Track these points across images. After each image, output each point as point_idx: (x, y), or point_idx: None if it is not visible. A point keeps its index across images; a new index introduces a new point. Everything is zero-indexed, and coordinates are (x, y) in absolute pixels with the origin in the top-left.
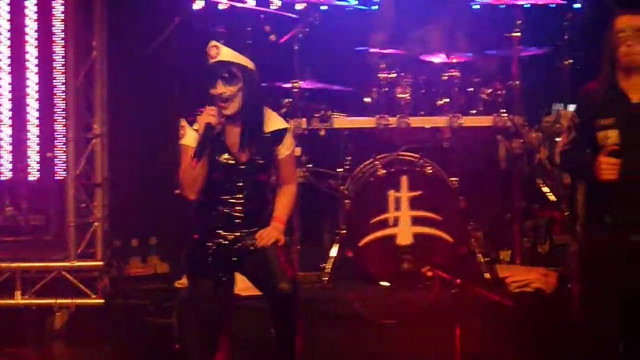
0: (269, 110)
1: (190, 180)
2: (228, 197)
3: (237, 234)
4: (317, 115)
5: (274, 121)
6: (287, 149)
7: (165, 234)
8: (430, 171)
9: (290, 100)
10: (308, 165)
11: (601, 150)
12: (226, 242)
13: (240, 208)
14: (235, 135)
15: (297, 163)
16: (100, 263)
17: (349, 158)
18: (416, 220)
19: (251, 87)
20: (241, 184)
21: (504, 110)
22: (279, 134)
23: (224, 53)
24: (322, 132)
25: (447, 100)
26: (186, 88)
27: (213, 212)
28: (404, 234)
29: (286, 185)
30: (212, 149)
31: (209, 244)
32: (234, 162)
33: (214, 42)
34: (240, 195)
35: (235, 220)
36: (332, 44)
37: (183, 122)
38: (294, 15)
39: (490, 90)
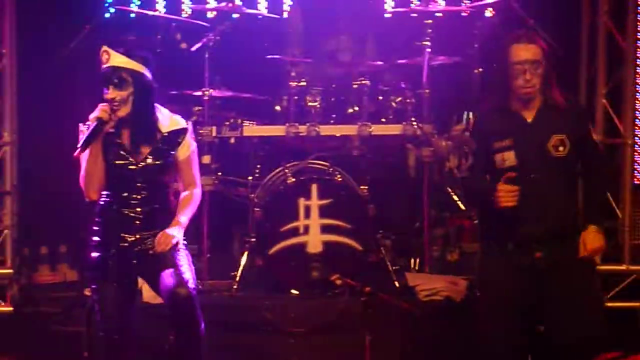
0: (166, 112)
1: (88, 179)
2: (127, 198)
3: (137, 236)
4: (227, 123)
5: (171, 122)
6: (186, 150)
7: (75, 241)
8: (340, 179)
9: (201, 108)
10: (218, 174)
11: (498, 173)
12: (126, 244)
13: (140, 209)
14: (129, 138)
15: (206, 171)
16: (10, 271)
17: (259, 166)
18: (326, 229)
19: (142, 92)
20: (140, 184)
21: (414, 119)
22: (177, 135)
23: (114, 58)
24: (232, 140)
25: (357, 108)
26: (91, 94)
27: (113, 215)
28: (314, 242)
29: (188, 188)
30: (109, 152)
31: (110, 246)
32: (129, 163)
33: (104, 48)
34: (139, 197)
35: (135, 222)
36: (243, 52)
37: (82, 127)
38: (205, 24)
39: (400, 99)
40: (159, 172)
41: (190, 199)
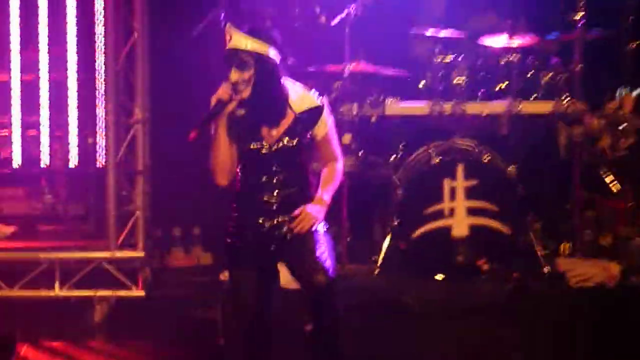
0: (299, 89)
1: (216, 165)
2: (263, 182)
3: (275, 220)
4: (368, 100)
5: (305, 100)
6: (323, 127)
7: (208, 223)
8: (487, 159)
9: (341, 83)
10: (358, 153)
11: None
12: (264, 230)
13: (276, 193)
14: (258, 120)
15: (346, 151)
16: (142, 254)
17: (402, 146)
18: (472, 211)
19: (264, 73)
20: (275, 168)
21: (565, 96)
22: (313, 114)
23: (236, 39)
24: (374, 119)
25: (505, 85)
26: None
27: (249, 200)
28: (460, 226)
29: (329, 164)
30: (239, 135)
31: (247, 232)
32: (262, 147)
33: (228, 27)
34: (276, 181)
35: (273, 206)
36: (385, 26)
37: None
38: None
39: (550, 75)
40: (294, 154)
41: (332, 174)
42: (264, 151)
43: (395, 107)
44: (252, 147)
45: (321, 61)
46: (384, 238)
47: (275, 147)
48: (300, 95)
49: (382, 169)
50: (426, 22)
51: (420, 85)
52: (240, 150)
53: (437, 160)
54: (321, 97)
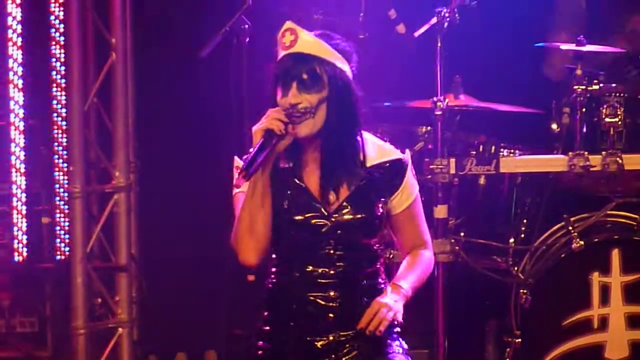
0: (370, 136)
1: (244, 231)
2: (313, 273)
3: (330, 337)
4: (473, 152)
5: (379, 151)
6: (406, 196)
7: (229, 344)
8: None
9: (430, 128)
10: (460, 234)
11: None
12: (313, 353)
13: (334, 293)
14: (316, 174)
15: (441, 230)
16: None
17: (526, 221)
18: (635, 321)
19: (342, 99)
20: (332, 250)
21: None
22: (390, 172)
23: (305, 42)
24: (482, 180)
25: None
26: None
27: (290, 301)
28: (617, 343)
29: (413, 251)
30: (280, 195)
31: (287, 356)
32: (315, 215)
33: (289, 24)
34: (333, 271)
35: (328, 315)
36: (494, 38)
37: (237, 162)
38: None
39: None
40: (361, 231)
41: (417, 261)
42: (317, 222)
43: (515, 162)
44: (299, 214)
45: (398, 94)
46: None
47: (334, 217)
48: (372, 143)
49: (495, 257)
50: (554, 29)
51: (553, 128)
52: (278, 218)
53: (581, 244)
54: (404, 149)
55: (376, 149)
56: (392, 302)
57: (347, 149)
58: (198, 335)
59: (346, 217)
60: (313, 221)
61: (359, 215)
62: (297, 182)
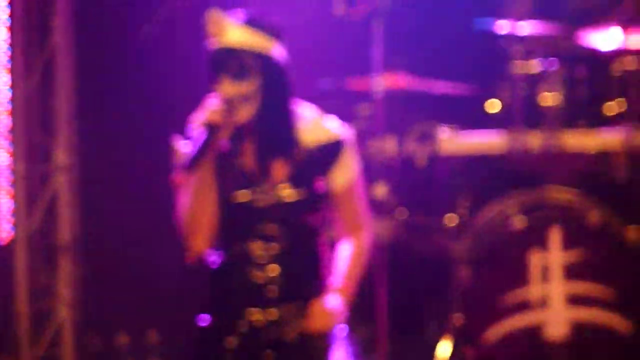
0: (312, 114)
1: (193, 221)
2: (254, 252)
3: (271, 312)
4: (413, 132)
5: (320, 130)
6: (345, 174)
7: (170, 325)
8: (597, 219)
9: (370, 107)
10: (400, 214)
11: None
12: (255, 326)
13: (274, 270)
14: (254, 156)
15: (381, 209)
16: None
17: (467, 201)
18: (575, 300)
19: (274, 86)
20: (273, 230)
21: None
22: (330, 152)
23: (232, 33)
24: (423, 161)
25: (623, 105)
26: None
27: (232, 279)
28: (557, 322)
29: (351, 234)
30: (222, 180)
31: (229, 329)
32: (256, 198)
33: (214, 14)
34: (273, 250)
35: (269, 290)
36: (436, 19)
37: (180, 143)
38: None
39: None
40: (302, 210)
41: (354, 252)
42: (258, 204)
43: (455, 142)
44: (240, 196)
45: (340, 73)
46: (442, 343)
47: (275, 197)
48: (312, 122)
49: (436, 236)
50: (498, 7)
51: (493, 109)
52: (221, 200)
53: (520, 222)
54: (346, 126)
55: (316, 128)
56: (333, 307)
57: (283, 130)
58: (140, 314)
59: (285, 196)
60: (253, 202)
61: (299, 194)
62: (236, 165)
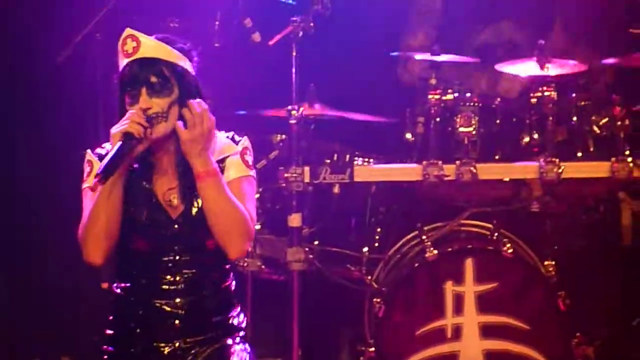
0: (221, 136)
1: (93, 229)
2: (161, 277)
3: (176, 344)
4: (328, 161)
5: (224, 149)
6: (229, 174)
7: (84, 351)
8: (511, 251)
9: (285, 137)
10: (314, 243)
11: None
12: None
13: (180, 299)
14: (170, 175)
15: (295, 239)
16: None
17: (380, 230)
18: (489, 331)
19: (191, 98)
20: (180, 252)
21: (629, 152)
22: (226, 159)
23: (148, 46)
24: (337, 189)
25: (537, 136)
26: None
27: (136, 308)
28: (471, 353)
29: None
30: (130, 194)
31: None
32: (163, 220)
33: (129, 32)
34: (180, 275)
35: (174, 321)
36: (350, 47)
37: (90, 155)
38: (290, 1)
39: (605, 121)
40: (207, 234)
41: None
42: (167, 221)
43: (369, 170)
44: (144, 221)
45: (254, 102)
46: None
47: (177, 225)
48: (221, 143)
49: (349, 266)
50: (415, 42)
51: (408, 137)
52: (127, 218)
53: (434, 253)
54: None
55: (222, 147)
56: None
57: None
58: (54, 340)
59: (191, 219)
60: (158, 226)
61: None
62: (146, 185)
